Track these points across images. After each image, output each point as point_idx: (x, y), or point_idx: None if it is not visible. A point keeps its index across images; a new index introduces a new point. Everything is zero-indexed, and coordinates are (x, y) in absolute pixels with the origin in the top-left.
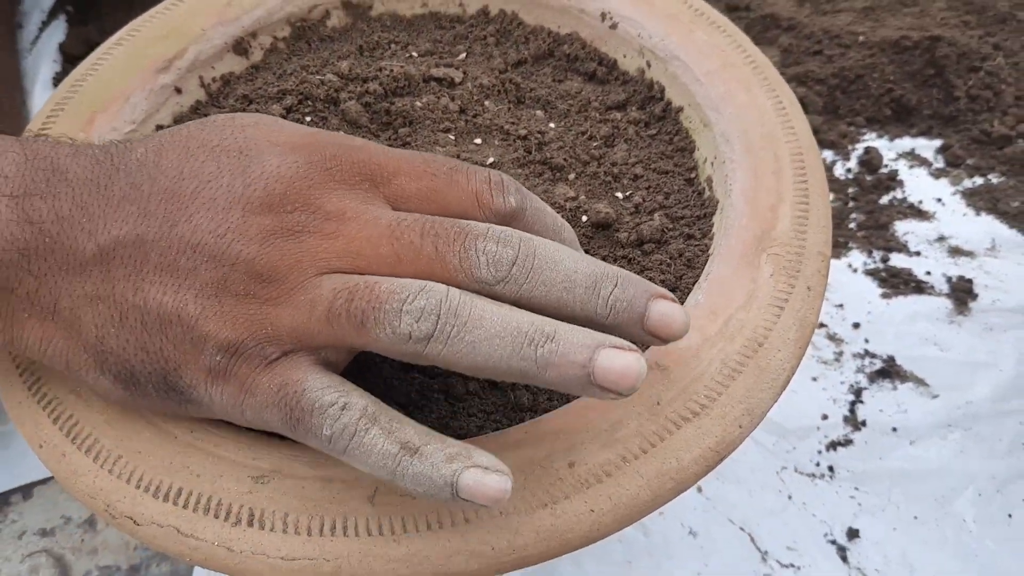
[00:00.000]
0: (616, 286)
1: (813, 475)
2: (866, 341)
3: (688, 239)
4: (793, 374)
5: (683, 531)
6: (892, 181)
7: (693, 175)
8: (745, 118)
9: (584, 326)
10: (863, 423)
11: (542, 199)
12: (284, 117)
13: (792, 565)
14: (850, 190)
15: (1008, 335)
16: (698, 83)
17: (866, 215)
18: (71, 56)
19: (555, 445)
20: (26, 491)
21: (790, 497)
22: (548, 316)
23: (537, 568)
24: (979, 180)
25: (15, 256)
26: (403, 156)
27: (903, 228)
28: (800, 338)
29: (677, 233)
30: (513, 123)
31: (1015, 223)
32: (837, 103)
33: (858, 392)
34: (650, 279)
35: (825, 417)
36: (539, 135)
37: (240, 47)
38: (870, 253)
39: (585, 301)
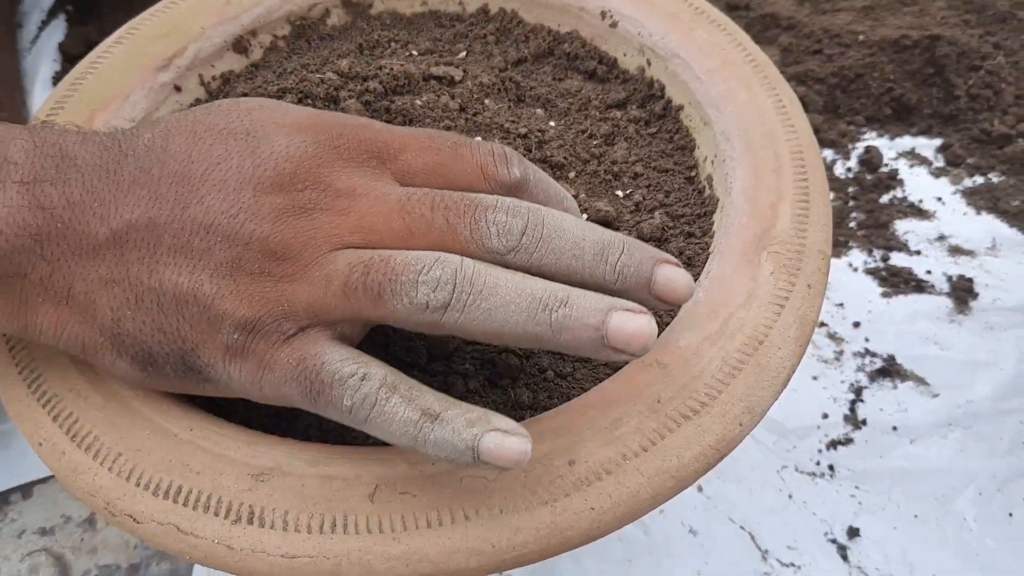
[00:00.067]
0: (623, 252)
1: (813, 474)
2: (866, 340)
3: (688, 237)
4: (794, 372)
5: (683, 530)
6: (892, 180)
7: (693, 173)
8: (745, 116)
9: (592, 291)
10: (863, 422)
11: None
12: None
13: (792, 564)
14: (850, 189)
15: (1008, 334)
16: (698, 81)
17: (866, 214)
18: (71, 55)
19: (555, 443)
20: (26, 490)
21: (790, 496)
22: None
23: (537, 566)
24: (979, 179)
25: (28, 241)
26: (408, 132)
27: (903, 227)
28: (800, 336)
29: (677, 231)
30: (513, 121)
31: (1015, 222)
32: (837, 102)
33: (858, 391)
34: None
35: (825, 416)
36: (539, 133)
37: (240, 45)
38: (870, 252)
39: (594, 267)
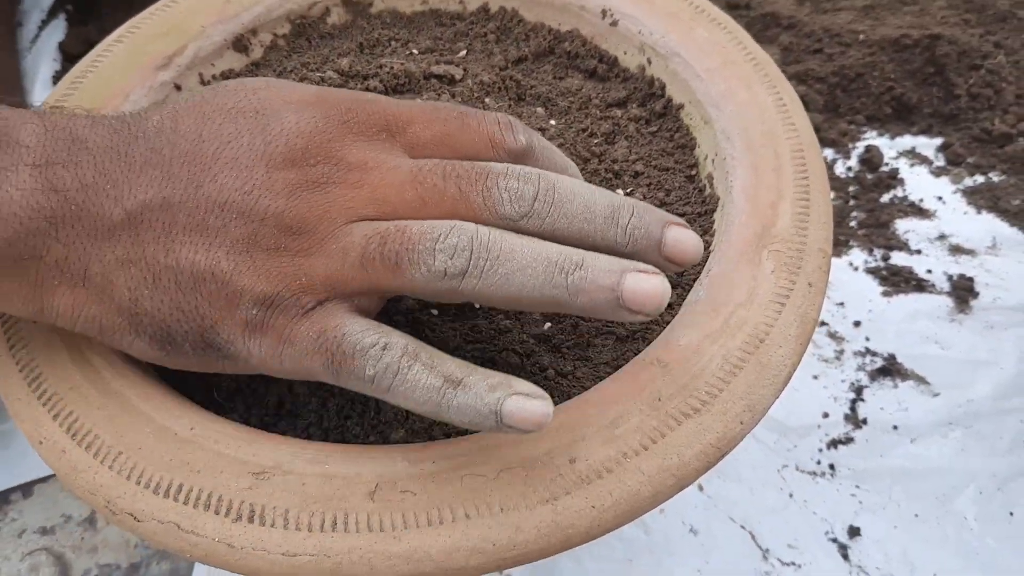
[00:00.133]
0: (633, 215)
1: (814, 473)
2: (867, 339)
3: None
4: (794, 371)
5: (684, 529)
6: (893, 179)
7: (694, 172)
8: (746, 115)
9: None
10: (864, 421)
11: None
12: None
13: (793, 563)
14: (851, 188)
15: (1009, 333)
16: (699, 80)
17: (867, 213)
18: (71, 55)
19: (556, 441)
20: (26, 489)
21: (791, 495)
22: None
23: (538, 565)
24: (980, 178)
25: (42, 224)
26: (415, 105)
27: (904, 226)
28: (801, 334)
29: None
30: None
31: (1016, 221)
32: (837, 101)
33: (859, 390)
34: None
35: (826, 415)
36: (540, 132)
37: (240, 44)
38: (871, 251)
39: (605, 230)
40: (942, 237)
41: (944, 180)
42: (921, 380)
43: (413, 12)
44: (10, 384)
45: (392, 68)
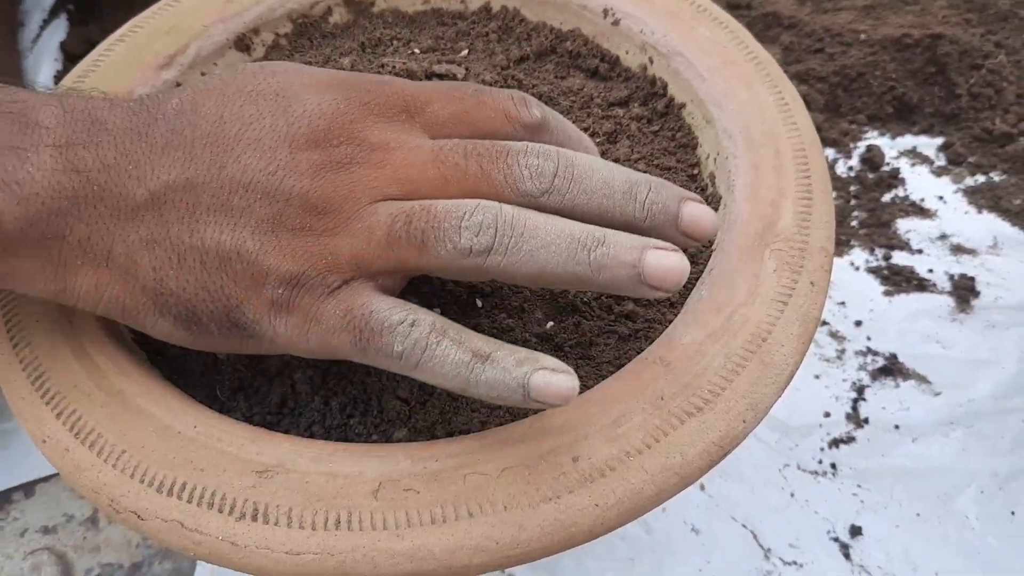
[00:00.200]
0: (651, 190)
1: (816, 472)
2: (868, 339)
3: None
4: (797, 369)
5: (685, 528)
6: (894, 179)
7: (696, 171)
8: (747, 114)
9: (623, 231)
10: (865, 420)
11: None
12: None
13: (795, 563)
14: (852, 188)
15: (1010, 333)
16: (700, 79)
17: (868, 213)
18: (72, 55)
19: (559, 440)
20: (28, 489)
21: (792, 494)
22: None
23: (539, 565)
24: (981, 178)
25: (64, 204)
26: (431, 86)
27: (905, 226)
28: (803, 333)
29: None
30: None
31: (1017, 221)
32: (839, 101)
33: (860, 390)
34: None
35: (827, 415)
36: None
37: (242, 43)
38: (872, 251)
39: (624, 205)
40: (943, 237)
41: (945, 180)
42: (922, 379)
43: (415, 11)
44: (13, 383)
45: (394, 67)
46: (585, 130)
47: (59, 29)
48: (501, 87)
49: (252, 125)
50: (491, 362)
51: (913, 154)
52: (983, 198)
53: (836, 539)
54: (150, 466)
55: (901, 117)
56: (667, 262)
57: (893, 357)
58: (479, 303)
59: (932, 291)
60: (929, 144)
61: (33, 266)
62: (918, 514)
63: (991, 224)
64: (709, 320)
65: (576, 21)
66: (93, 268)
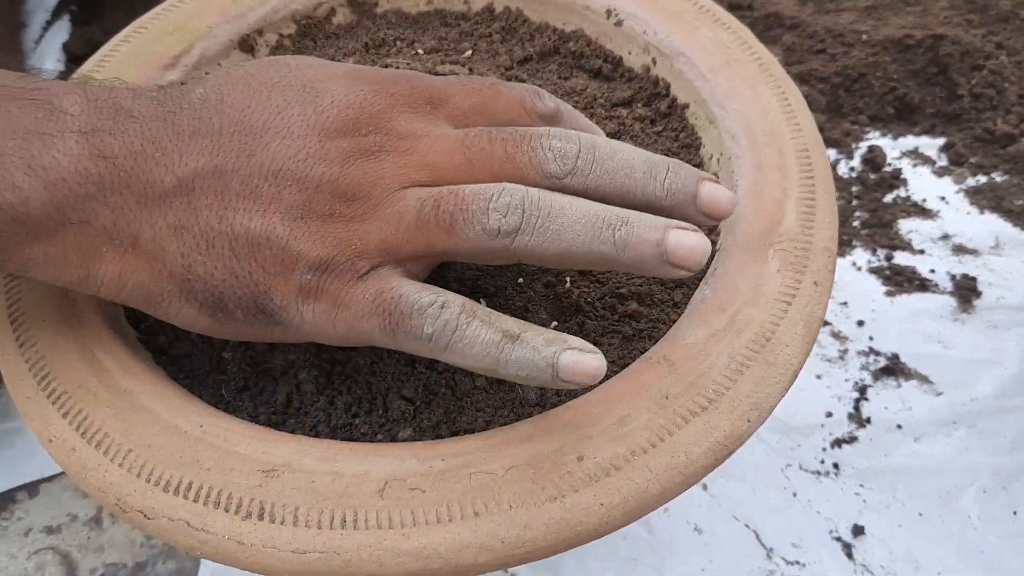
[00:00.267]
0: (669, 170)
1: (818, 472)
2: (870, 339)
3: None
4: (800, 369)
5: (688, 528)
6: (896, 179)
7: None
8: (750, 114)
9: (643, 211)
10: (868, 420)
11: None
12: None
13: (797, 562)
14: (854, 188)
15: (1012, 332)
16: (703, 79)
17: (870, 213)
18: (75, 55)
19: (564, 439)
20: (32, 488)
21: (795, 494)
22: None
23: (541, 565)
24: (982, 178)
25: (91, 189)
26: (451, 80)
27: (907, 226)
28: (807, 333)
29: None
30: None
31: (1019, 221)
32: (840, 102)
33: (863, 389)
34: None
35: (830, 415)
36: None
37: (246, 44)
38: (874, 251)
39: (645, 185)
40: (945, 237)
41: (947, 180)
42: (924, 379)
43: (418, 12)
44: (20, 383)
45: (398, 68)
46: None
47: (62, 30)
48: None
49: (280, 114)
50: (521, 342)
51: (915, 154)
52: (985, 198)
53: (838, 539)
54: (156, 465)
55: (903, 118)
56: (689, 241)
57: (895, 357)
58: (482, 303)
59: (934, 291)
60: (931, 144)
61: (57, 252)
62: (920, 513)
63: (993, 224)
64: (713, 320)
65: (579, 22)
66: (118, 254)
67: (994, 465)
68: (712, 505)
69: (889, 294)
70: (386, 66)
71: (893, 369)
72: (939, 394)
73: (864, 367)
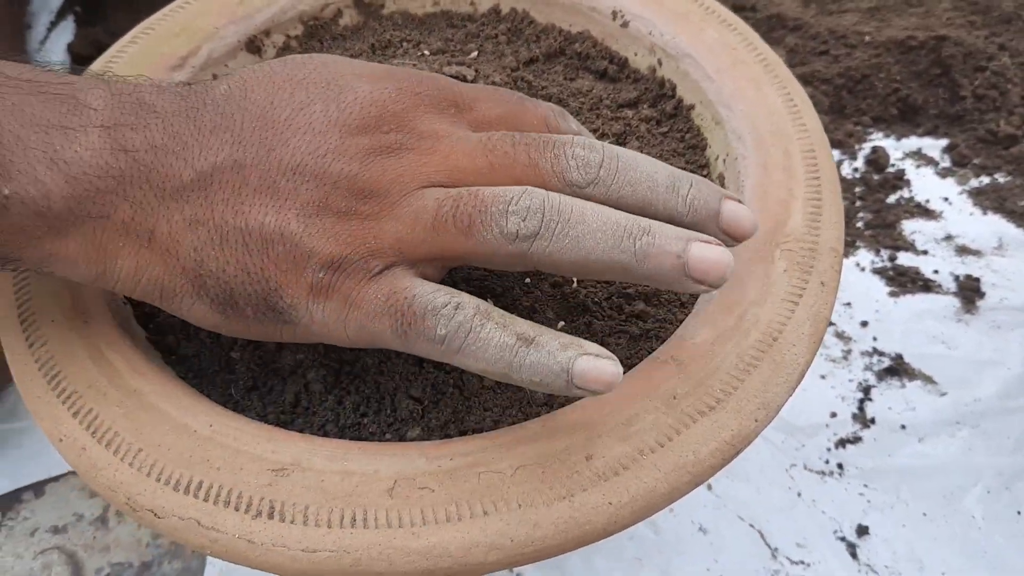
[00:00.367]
0: (692, 186)
1: (822, 472)
2: (874, 339)
3: None
4: (807, 369)
5: (693, 528)
6: (899, 180)
7: (705, 172)
8: (756, 115)
9: None
10: (872, 420)
11: None
12: None
13: (802, 562)
14: (857, 189)
15: (1015, 333)
16: (709, 80)
17: (873, 214)
18: (79, 56)
19: (572, 438)
20: (38, 488)
21: (799, 494)
22: None
23: (547, 564)
24: (985, 179)
25: (111, 183)
26: (478, 87)
27: (910, 227)
28: (814, 333)
29: None
30: None
31: (1022, 222)
32: (843, 103)
33: (867, 390)
34: None
35: (834, 415)
36: None
37: (253, 45)
38: (878, 252)
39: (667, 199)
40: (948, 238)
41: (950, 181)
42: (928, 380)
43: (424, 13)
44: (30, 382)
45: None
46: (594, 131)
47: (66, 31)
48: (511, 89)
49: (303, 110)
50: (535, 346)
51: (918, 155)
52: (988, 199)
53: (843, 538)
54: (166, 465)
55: (906, 119)
56: (711, 255)
57: (899, 357)
58: (489, 303)
59: (937, 292)
60: (934, 146)
61: (77, 247)
62: (924, 513)
63: (996, 225)
64: (720, 320)
65: (585, 23)
66: (135, 249)
67: (998, 465)
68: (717, 505)
69: (893, 295)
70: None
71: (897, 369)
72: (943, 394)
73: (868, 367)
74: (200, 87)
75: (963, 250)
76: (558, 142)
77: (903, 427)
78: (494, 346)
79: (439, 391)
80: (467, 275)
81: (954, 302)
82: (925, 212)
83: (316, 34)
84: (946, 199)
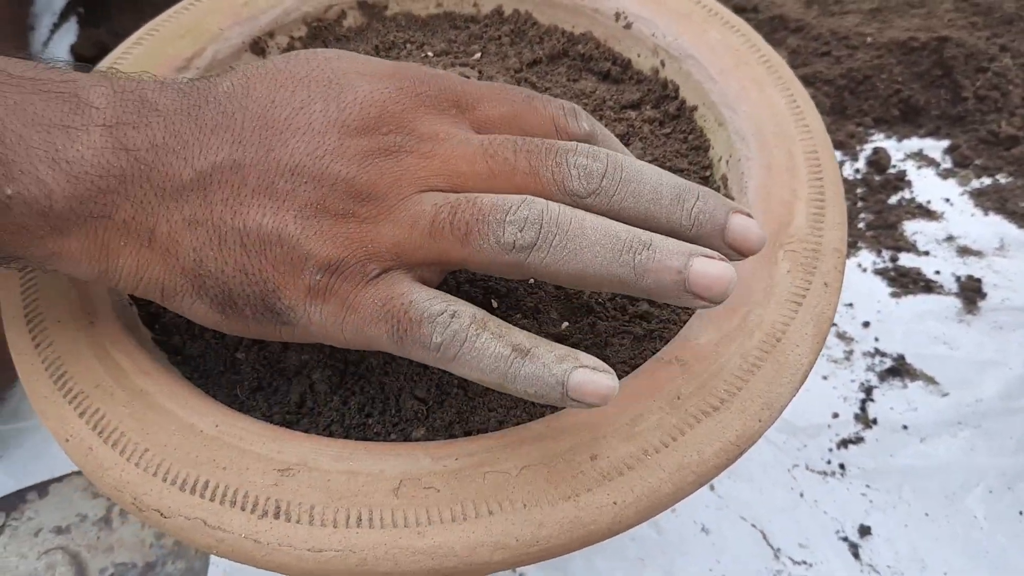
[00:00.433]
0: (698, 199)
1: (824, 473)
2: (876, 340)
3: None
4: (811, 369)
5: (696, 528)
6: (900, 181)
7: (708, 173)
8: (759, 116)
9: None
10: (874, 421)
11: None
12: None
13: (804, 562)
14: (859, 190)
15: (1017, 334)
16: (712, 82)
17: (875, 215)
18: (82, 58)
19: (577, 438)
20: (41, 489)
21: (802, 494)
22: None
23: (550, 564)
24: (987, 180)
25: (112, 182)
26: (484, 85)
27: (912, 228)
28: (817, 334)
29: None
30: None
31: (1023, 223)
32: (845, 104)
33: (868, 390)
34: None
35: (836, 415)
36: None
37: (257, 46)
38: (879, 252)
39: (671, 213)
40: (950, 238)
41: (951, 182)
42: (930, 380)
43: (428, 15)
44: (36, 382)
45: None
46: None
47: (69, 32)
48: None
49: (303, 110)
50: (531, 357)
51: (919, 156)
52: (989, 200)
53: (845, 539)
54: (173, 464)
55: (907, 120)
56: (714, 270)
57: (901, 358)
58: (494, 303)
59: (939, 292)
60: (935, 146)
61: (79, 246)
62: (926, 514)
63: (997, 226)
64: (724, 320)
65: (588, 24)
66: (135, 249)
67: (1000, 466)
68: (720, 505)
69: (894, 295)
70: None
71: (899, 370)
72: (945, 395)
73: (870, 368)
74: (203, 84)
75: (964, 251)
76: (561, 149)
77: (905, 427)
78: (489, 356)
79: (444, 391)
80: (471, 276)
81: (956, 303)
82: (926, 213)
83: (320, 35)
84: (947, 200)
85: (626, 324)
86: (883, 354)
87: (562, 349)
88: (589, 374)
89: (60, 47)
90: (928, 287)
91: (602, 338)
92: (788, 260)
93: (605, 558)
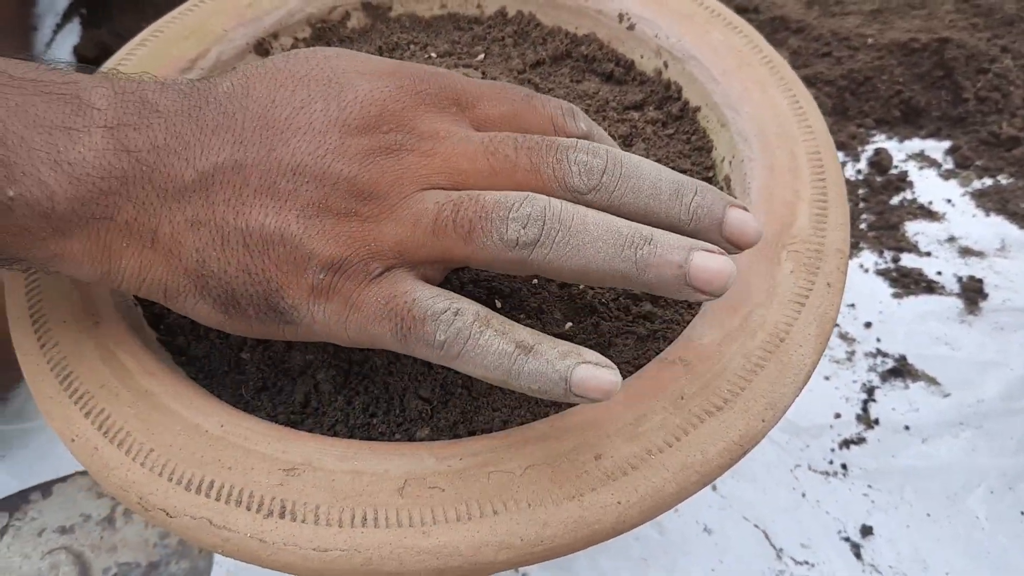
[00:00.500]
0: (696, 193)
1: (827, 473)
2: (878, 340)
3: None
4: (814, 370)
5: (698, 528)
6: (902, 182)
7: (711, 174)
8: (762, 117)
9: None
10: (876, 421)
11: None
12: None
13: (806, 562)
14: (860, 191)
15: (1018, 334)
16: (715, 83)
17: (876, 216)
18: (85, 59)
19: (581, 438)
20: (45, 489)
21: (804, 495)
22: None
23: (553, 564)
24: (988, 181)
25: (114, 184)
26: (483, 83)
27: (913, 229)
28: (820, 334)
29: None
30: None
31: None
32: (846, 105)
33: (871, 391)
34: None
35: (838, 415)
36: None
37: (261, 48)
38: (881, 253)
39: (670, 207)
40: (951, 239)
41: (953, 183)
42: (932, 381)
43: (431, 16)
44: (41, 383)
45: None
46: None
47: (72, 33)
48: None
49: (303, 109)
50: (534, 354)
51: (921, 157)
52: (990, 201)
53: (847, 539)
54: (178, 464)
55: (908, 121)
56: (714, 264)
57: (902, 358)
58: (498, 303)
59: (941, 293)
60: (936, 147)
61: (81, 248)
62: (928, 514)
63: (999, 227)
64: (727, 321)
65: (591, 26)
66: (138, 250)
67: (1001, 466)
68: (722, 505)
69: (896, 296)
70: None
71: (900, 370)
72: (946, 395)
73: (872, 368)
74: (203, 84)
75: (966, 251)
76: (561, 146)
77: (907, 428)
78: (493, 353)
79: (448, 391)
80: (475, 276)
81: (957, 303)
82: (928, 214)
83: (324, 37)
84: (949, 201)
85: (629, 324)
86: (885, 355)
87: (565, 345)
88: (592, 369)
89: (63, 48)
90: (930, 288)
91: (606, 338)
92: (791, 261)
93: (609, 558)
